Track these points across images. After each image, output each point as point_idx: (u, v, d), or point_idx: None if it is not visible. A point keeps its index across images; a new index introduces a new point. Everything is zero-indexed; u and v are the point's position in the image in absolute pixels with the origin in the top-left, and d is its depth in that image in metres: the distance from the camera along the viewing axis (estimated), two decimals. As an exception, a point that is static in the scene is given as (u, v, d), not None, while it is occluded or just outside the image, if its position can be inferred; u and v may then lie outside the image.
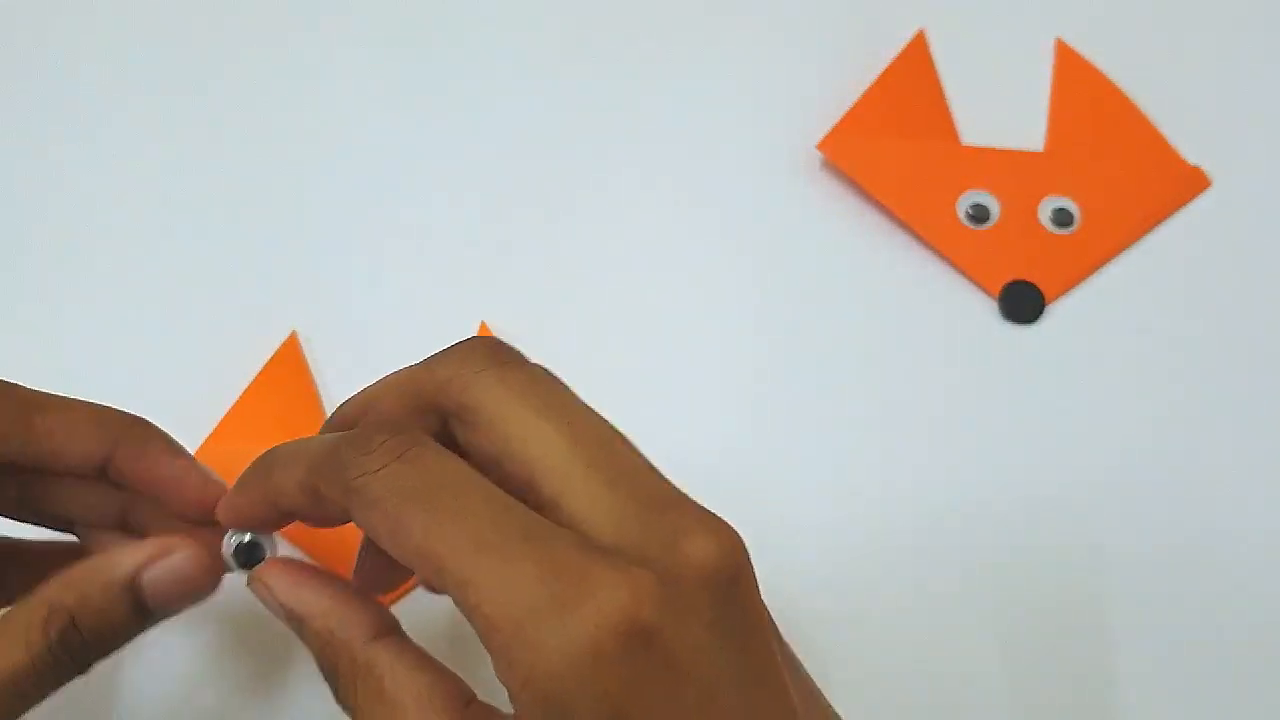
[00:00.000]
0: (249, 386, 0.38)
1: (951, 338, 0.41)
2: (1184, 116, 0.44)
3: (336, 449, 0.23)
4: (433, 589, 0.23)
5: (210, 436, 0.37)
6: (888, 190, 0.42)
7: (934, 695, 0.30)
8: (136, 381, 0.34)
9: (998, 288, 0.41)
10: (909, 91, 0.44)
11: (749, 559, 0.23)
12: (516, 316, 0.40)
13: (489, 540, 0.21)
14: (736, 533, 0.23)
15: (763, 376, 0.40)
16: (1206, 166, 0.43)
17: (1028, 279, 0.41)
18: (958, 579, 0.37)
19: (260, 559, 0.27)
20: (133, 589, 0.25)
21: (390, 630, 0.25)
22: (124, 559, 0.25)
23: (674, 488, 0.24)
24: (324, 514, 0.24)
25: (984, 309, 0.41)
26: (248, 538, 0.27)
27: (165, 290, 0.41)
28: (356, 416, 0.26)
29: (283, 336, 0.39)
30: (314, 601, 0.25)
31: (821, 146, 0.42)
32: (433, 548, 0.22)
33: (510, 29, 0.46)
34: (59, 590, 0.25)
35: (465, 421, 0.24)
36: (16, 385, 0.28)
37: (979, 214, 0.42)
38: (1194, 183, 0.43)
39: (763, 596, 0.24)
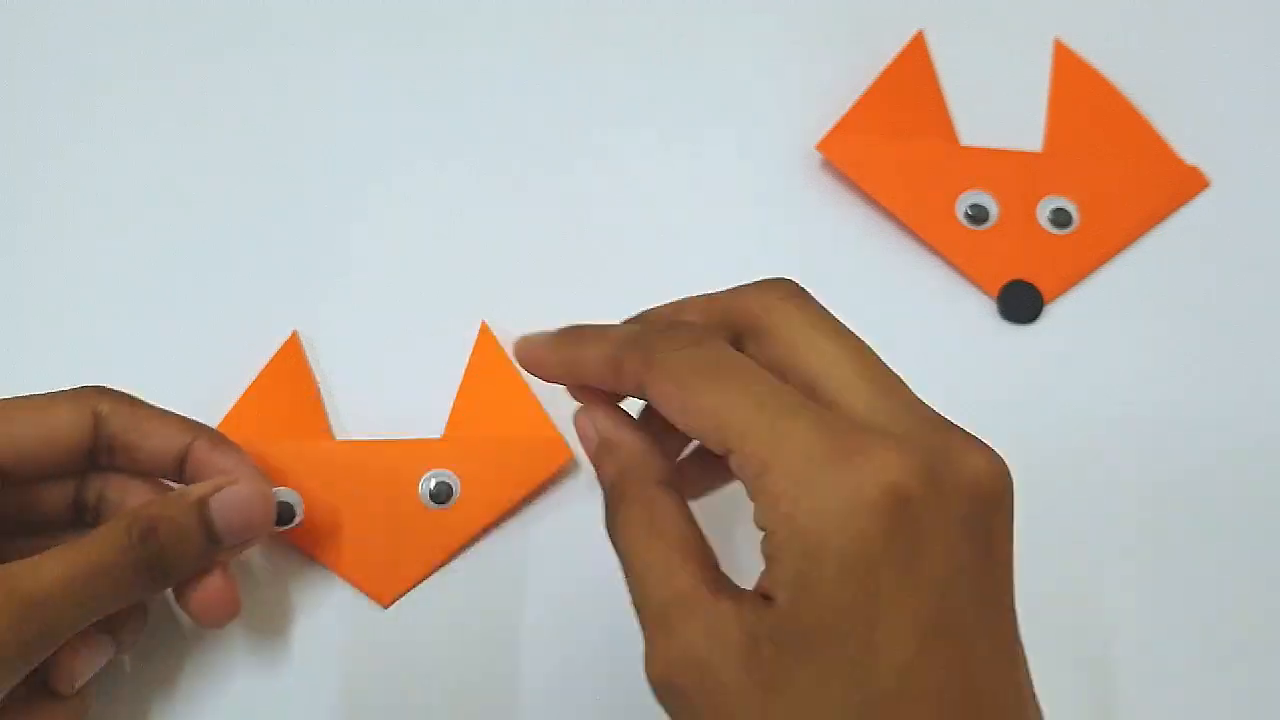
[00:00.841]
0: (251, 385, 0.38)
1: (950, 338, 0.41)
2: (1182, 117, 0.44)
3: (645, 333, 0.27)
4: (715, 453, 0.25)
5: (229, 408, 0.38)
6: (887, 190, 0.42)
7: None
8: (141, 380, 0.33)
9: (996, 288, 0.41)
10: (908, 92, 0.44)
11: (1012, 495, 0.25)
12: (516, 316, 0.40)
13: (769, 404, 0.24)
14: (1008, 468, 0.25)
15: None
16: (1204, 167, 0.43)
17: (1026, 279, 0.41)
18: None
19: (292, 517, 0.33)
20: (202, 508, 0.30)
21: (675, 485, 0.28)
22: (198, 487, 0.31)
23: (949, 421, 0.26)
24: (621, 385, 0.28)
25: (983, 309, 0.41)
26: (282, 496, 0.33)
27: (168, 290, 0.41)
28: (659, 321, 0.29)
29: (284, 336, 0.39)
30: (628, 438, 0.29)
31: (821, 147, 0.43)
32: (718, 409, 0.25)
33: (510, 30, 0.46)
34: (142, 507, 0.30)
35: (760, 337, 0.27)
36: (122, 392, 0.32)
37: (978, 214, 0.42)
38: (1192, 183, 0.43)
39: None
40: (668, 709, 0.25)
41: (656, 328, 0.28)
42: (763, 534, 0.24)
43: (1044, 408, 0.40)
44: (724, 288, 0.29)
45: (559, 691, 0.34)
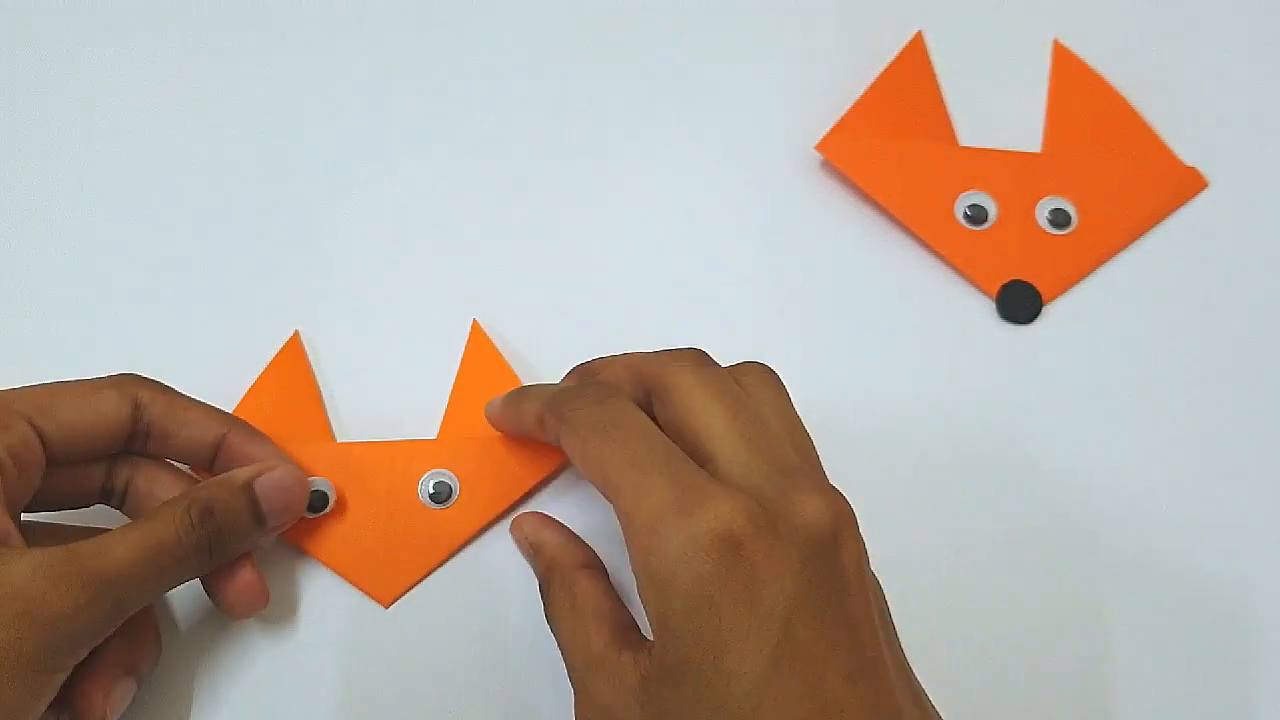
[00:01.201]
0: (254, 383, 0.38)
1: (949, 338, 0.41)
2: (1180, 117, 0.44)
3: (562, 392, 0.32)
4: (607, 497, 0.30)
5: (244, 396, 0.38)
6: (886, 191, 0.42)
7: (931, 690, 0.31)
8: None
9: (995, 288, 0.41)
10: (907, 93, 0.44)
11: (856, 532, 0.28)
12: (510, 317, 0.41)
13: (640, 462, 0.28)
14: (848, 506, 0.28)
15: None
16: (1203, 167, 0.43)
17: (1025, 279, 0.41)
18: (953, 578, 0.37)
19: (325, 504, 0.36)
20: (249, 491, 0.33)
21: (592, 565, 0.34)
22: (242, 472, 0.33)
23: (809, 466, 0.30)
24: (546, 437, 0.33)
25: (982, 309, 0.41)
26: (316, 485, 0.36)
27: (176, 292, 0.41)
28: (582, 375, 0.35)
29: (282, 336, 0.40)
30: (549, 537, 0.35)
31: (820, 147, 0.43)
32: (602, 462, 0.29)
33: (509, 30, 0.46)
34: (196, 490, 0.32)
35: (663, 397, 0.31)
36: (158, 381, 0.34)
37: (977, 214, 0.42)
38: (1191, 183, 0.43)
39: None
40: None
41: (574, 388, 0.32)
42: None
43: (1043, 407, 0.40)
44: (650, 349, 0.33)
45: (559, 689, 0.34)
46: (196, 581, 0.34)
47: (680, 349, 0.33)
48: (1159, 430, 0.39)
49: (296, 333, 0.40)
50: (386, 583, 0.36)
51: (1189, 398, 0.40)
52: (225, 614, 0.34)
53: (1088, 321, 0.41)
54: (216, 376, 0.38)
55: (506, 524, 0.37)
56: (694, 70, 0.45)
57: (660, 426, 0.30)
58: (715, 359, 0.33)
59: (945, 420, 0.39)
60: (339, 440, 0.38)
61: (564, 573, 0.33)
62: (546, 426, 0.32)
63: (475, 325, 0.40)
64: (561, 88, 0.45)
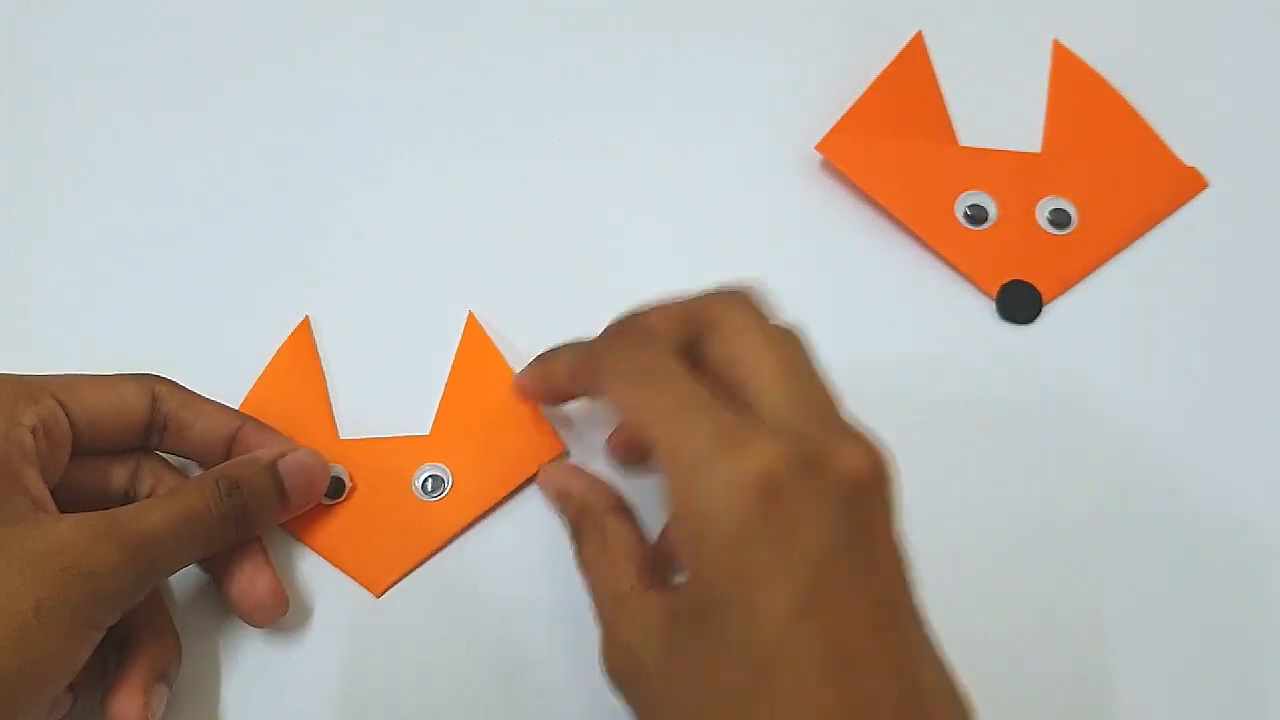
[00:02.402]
0: (267, 366, 0.39)
1: (949, 338, 0.41)
2: (1180, 117, 0.44)
3: (598, 342, 0.33)
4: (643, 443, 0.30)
5: (250, 391, 0.39)
6: (886, 191, 0.42)
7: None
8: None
9: (995, 288, 0.41)
10: (907, 93, 0.44)
11: (890, 483, 0.28)
12: (507, 312, 0.41)
13: (684, 404, 0.28)
14: (885, 457, 0.28)
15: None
16: (1203, 167, 0.43)
17: (1025, 279, 0.41)
18: (952, 577, 0.37)
19: (341, 491, 0.37)
20: (273, 469, 0.34)
21: (622, 508, 0.34)
22: (266, 451, 0.35)
23: (848, 419, 0.29)
24: (583, 388, 0.34)
25: (982, 309, 0.41)
26: (334, 471, 0.37)
27: (179, 285, 0.42)
28: (619, 324, 0.33)
29: (289, 325, 0.40)
30: (577, 486, 0.35)
31: (820, 147, 0.43)
32: (642, 409, 0.29)
33: (509, 28, 0.46)
34: (224, 467, 0.34)
35: (711, 336, 0.31)
36: (175, 383, 0.35)
37: (977, 214, 0.42)
38: (1191, 183, 0.43)
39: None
40: (618, 698, 0.30)
41: (608, 337, 0.33)
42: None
43: (1043, 407, 0.40)
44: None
45: (547, 680, 0.35)
46: (196, 581, 0.34)
47: (730, 286, 0.32)
48: (1160, 430, 0.39)
49: (307, 318, 0.40)
50: (378, 572, 0.36)
51: (1189, 397, 0.40)
52: (244, 621, 0.35)
53: (1088, 321, 0.41)
54: (219, 366, 0.38)
55: (497, 517, 0.37)
56: (694, 70, 0.45)
57: (707, 362, 0.30)
58: (764, 297, 0.32)
59: (945, 420, 0.39)
60: (340, 430, 0.39)
61: (595, 516, 0.33)
62: (579, 378, 0.33)
63: (471, 317, 0.40)
64: (561, 87, 0.45)
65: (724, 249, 0.42)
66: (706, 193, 0.43)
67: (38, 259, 0.42)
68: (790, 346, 0.30)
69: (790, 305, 0.41)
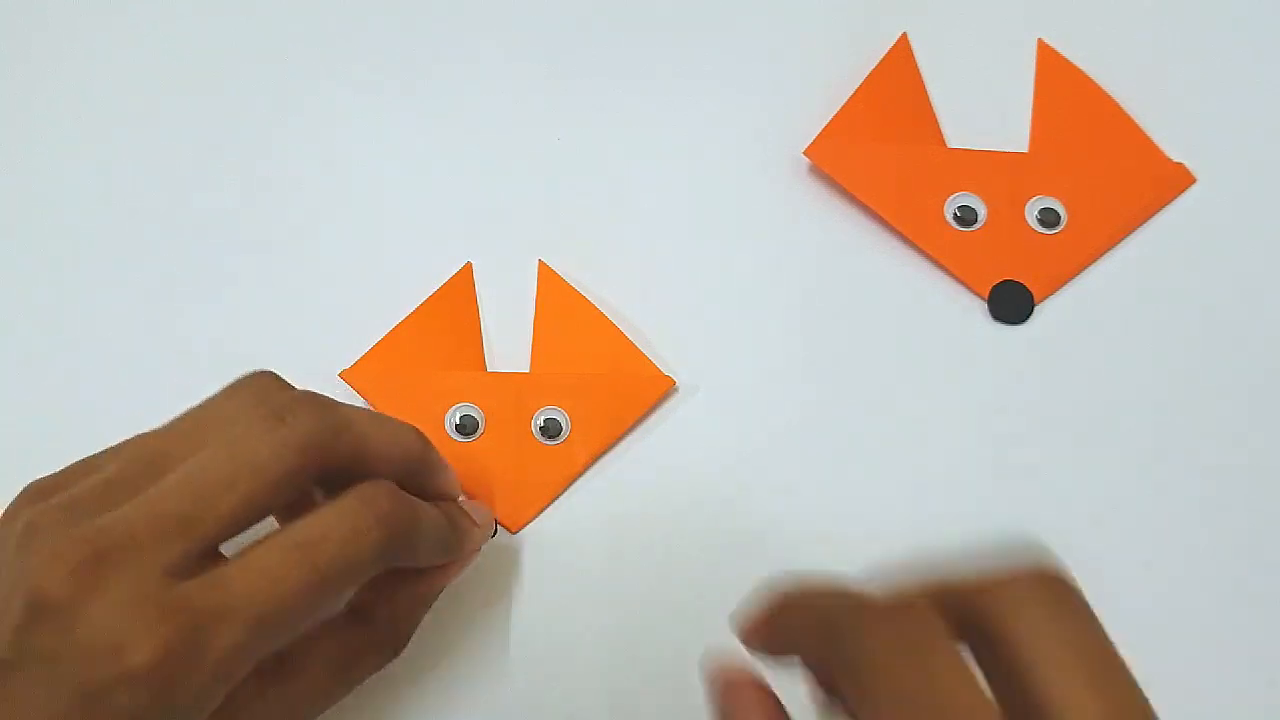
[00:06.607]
0: (421, 305, 0.41)
1: (941, 339, 0.41)
2: (1167, 114, 0.44)
3: (848, 613, 0.23)
4: None
5: (380, 343, 0.41)
6: (875, 194, 0.42)
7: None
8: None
9: (986, 288, 0.41)
10: (894, 95, 0.44)
11: None
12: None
13: None
14: None
15: (750, 380, 0.40)
16: (1191, 163, 0.43)
17: (1016, 279, 0.41)
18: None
19: (475, 429, 0.39)
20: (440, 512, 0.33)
21: None
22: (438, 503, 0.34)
23: None
24: (819, 672, 0.25)
25: (973, 310, 0.41)
26: (466, 411, 0.39)
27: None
28: (875, 597, 0.24)
29: (458, 265, 0.42)
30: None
31: (808, 152, 0.43)
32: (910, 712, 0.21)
33: (502, 31, 0.46)
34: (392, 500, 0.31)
35: (995, 645, 0.22)
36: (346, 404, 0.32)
37: (966, 216, 0.42)
38: (1179, 180, 0.43)
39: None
40: None
41: (864, 608, 0.24)
42: None
43: (1036, 407, 0.40)
44: (964, 563, 0.24)
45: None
46: None
47: (1022, 567, 0.23)
48: (1152, 428, 0.39)
49: (469, 264, 0.42)
50: (514, 510, 0.39)
51: (1181, 395, 0.40)
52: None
53: (1080, 320, 0.41)
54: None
55: (612, 457, 0.40)
56: (680, 78, 0.45)
57: (982, 656, 0.23)
58: (1071, 580, 0.23)
59: (938, 421, 0.39)
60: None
61: None
62: (822, 659, 0.25)
63: (542, 265, 0.42)
64: (552, 93, 0.45)
65: (713, 255, 0.42)
66: (695, 200, 0.43)
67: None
68: (1111, 664, 0.23)
69: (779, 311, 0.41)
